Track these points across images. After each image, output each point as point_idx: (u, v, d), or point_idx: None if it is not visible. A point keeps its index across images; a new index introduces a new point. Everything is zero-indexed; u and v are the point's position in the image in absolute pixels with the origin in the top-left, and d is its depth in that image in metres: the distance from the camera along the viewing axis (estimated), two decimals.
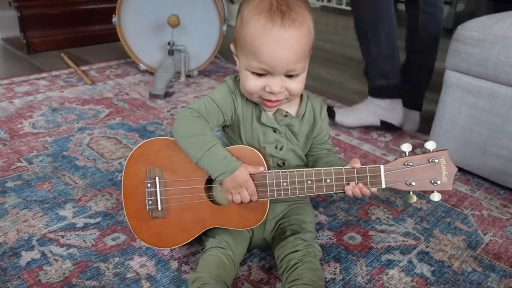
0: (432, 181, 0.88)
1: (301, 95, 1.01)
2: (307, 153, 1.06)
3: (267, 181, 0.90)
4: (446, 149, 0.88)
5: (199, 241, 1.03)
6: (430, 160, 0.87)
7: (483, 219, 1.25)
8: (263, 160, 0.91)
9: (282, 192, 0.91)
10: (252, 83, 0.90)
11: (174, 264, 1.02)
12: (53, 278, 0.96)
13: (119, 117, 1.75)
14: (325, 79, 2.39)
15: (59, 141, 1.54)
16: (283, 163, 1.02)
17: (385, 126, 1.72)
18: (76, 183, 1.31)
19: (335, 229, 1.18)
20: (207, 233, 0.98)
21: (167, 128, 1.69)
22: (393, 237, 1.15)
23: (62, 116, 1.73)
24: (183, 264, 1.02)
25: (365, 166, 0.89)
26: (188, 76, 2.23)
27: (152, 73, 2.21)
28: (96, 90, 2.01)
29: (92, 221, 1.15)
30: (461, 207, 1.30)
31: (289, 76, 0.89)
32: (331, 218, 1.22)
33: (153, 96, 1.95)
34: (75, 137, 1.57)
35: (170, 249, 1.06)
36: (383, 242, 1.14)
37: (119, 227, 1.13)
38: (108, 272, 0.99)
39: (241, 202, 0.91)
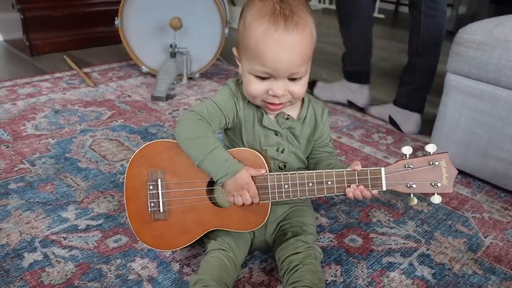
0: (433, 184, 0.88)
1: (303, 98, 1.01)
2: (308, 156, 1.07)
3: (269, 184, 0.91)
4: (447, 152, 0.88)
5: (201, 243, 1.04)
6: (431, 163, 0.87)
7: (484, 221, 1.25)
8: (265, 163, 0.92)
9: (284, 194, 0.91)
10: (255, 87, 0.91)
11: (176, 266, 1.03)
12: (55, 280, 0.97)
13: (121, 119, 1.76)
14: (327, 82, 2.39)
15: (61, 143, 1.55)
16: (284, 166, 1.02)
17: (351, 105, 2.01)
18: (78, 185, 1.31)
19: (336, 231, 1.18)
20: (209, 235, 0.99)
21: (169, 130, 1.70)
22: (394, 240, 1.16)
23: (65, 118, 1.74)
24: (184, 266, 1.03)
25: (366, 168, 0.90)
26: (190, 78, 2.24)
27: (154, 76, 2.22)
28: (98, 92, 2.02)
29: (94, 223, 1.16)
30: (462, 209, 1.30)
31: (292, 79, 0.90)
32: (332, 220, 1.22)
33: (155, 98, 1.96)
34: (78, 139, 1.58)
35: (172, 251, 1.06)
36: (384, 244, 1.14)
37: (121, 229, 1.13)
38: (110, 274, 0.99)
39: (243, 204, 0.91)
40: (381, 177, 0.89)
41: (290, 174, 0.90)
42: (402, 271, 1.05)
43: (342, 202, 1.30)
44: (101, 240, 1.09)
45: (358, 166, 0.89)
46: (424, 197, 1.31)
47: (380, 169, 0.89)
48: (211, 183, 0.96)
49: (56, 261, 1.02)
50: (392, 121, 1.85)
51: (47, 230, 1.12)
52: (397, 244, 1.14)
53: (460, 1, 3.70)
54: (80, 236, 1.10)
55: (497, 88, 1.30)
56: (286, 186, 0.91)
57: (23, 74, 2.20)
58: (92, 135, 1.61)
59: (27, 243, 1.07)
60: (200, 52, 2.19)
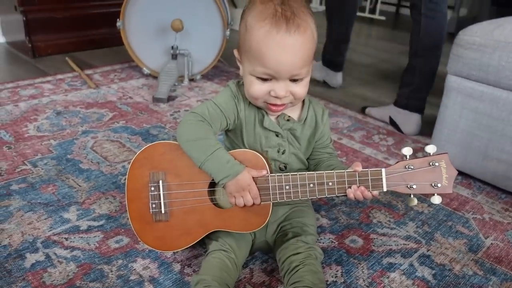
0: (433, 184, 0.88)
1: (303, 100, 1.02)
2: (308, 157, 1.07)
3: (270, 185, 0.91)
4: (447, 153, 0.89)
5: (202, 244, 1.04)
6: (431, 164, 0.88)
7: (484, 223, 1.26)
8: (266, 164, 0.92)
9: (285, 196, 0.91)
10: (257, 88, 0.91)
11: (177, 267, 1.03)
12: (57, 280, 0.97)
13: (123, 121, 1.76)
14: (328, 83, 2.40)
15: (63, 144, 1.55)
16: (285, 167, 1.02)
17: (324, 84, 2.36)
18: (80, 186, 1.32)
19: (337, 232, 1.18)
20: (210, 236, 0.99)
21: (170, 131, 1.70)
22: (395, 241, 1.16)
23: (67, 119, 1.75)
24: (185, 267, 1.03)
25: (367, 169, 0.90)
26: (191, 80, 2.25)
27: (155, 77, 2.23)
28: (100, 93, 2.03)
29: (95, 223, 1.16)
30: (463, 210, 1.30)
31: (294, 80, 0.90)
32: (332, 221, 1.23)
33: (156, 100, 1.96)
34: (79, 140, 1.58)
35: (173, 251, 1.06)
36: (384, 245, 1.14)
37: (123, 230, 1.14)
38: (112, 274, 1.00)
39: (244, 205, 0.92)
40: (381, 178, 0.89)
41: (291, 175, 0.91)
42: (402, 272, 1.05)
43: (342, 203, 1.31)
44: (102, 241, 1.10)
45: (359, 167, 0.90)
46: (424, 198, 1.32)
47: (381, 170, 0.89)
48: (213, 184, 0.96)
49: (58, 261, 1.03)
50: (392, 122, 1.85)
51: (49, 231, 1.12)
52: (397, 245, 1.15)
53: (461, 3, 3.70)
54: (81, 237, 1.11)
55: (497, 89, 1.31)
56: (287, 187, 0.91)
57: (25, 75, 2.21)
58: (93, 136, 1.62)
59: (29, 244, 1.07)
60: (201, 54, 2.20)
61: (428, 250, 1.13)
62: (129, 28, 2.14)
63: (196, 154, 0.91)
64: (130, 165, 0.98)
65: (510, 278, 1.05)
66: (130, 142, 1.60)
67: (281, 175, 0.91)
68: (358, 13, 4.19)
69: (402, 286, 1.01)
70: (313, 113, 1.03)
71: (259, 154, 0.93)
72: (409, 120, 1.79)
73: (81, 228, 1.14)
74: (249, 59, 0.90)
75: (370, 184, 0.90)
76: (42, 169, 1.39)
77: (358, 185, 0.90)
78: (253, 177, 0.90)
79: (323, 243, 1.14)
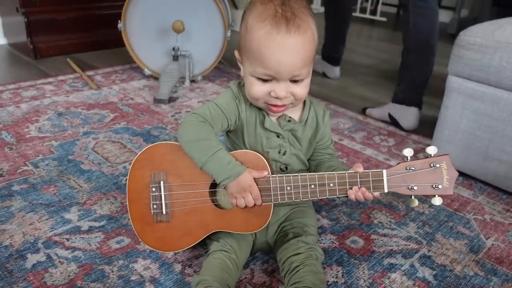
0: (434, 186, 0.88)
1: (304, 101, 1.02)
2: (309, 158, 1.07)
3: (271, 186, 0.91)
4: (447, 154, 0.89)
5: (203, 244, 1.04)
6: (432, 165, 0.88)
7: (485, 223, 1.26)
8: (267, 165, 0.92)
9: (286, 196, 0.92)
10: (258, 89, 0.91)
11: (178, 267, 1.03)
12: (58, 281, 0.97)
13: (124, 122, 1.77)
14: (329, 84, 2.40)
15: (64, 145, 1.56)
16: (286, 168, 1.03)
17: (324, 76, 2.53)
18: (81, 186, 1.32)
19: (338, 233, 1.18)
20: (211, 237, 0.99)
21: (171, 132, 1.70)
22: (395, 241, 1.16)
23: (68, 120, 1.75)
24: (186, 267, 1.03)
25: (368, 170, 0.90)
26: (192, 81, 2.25)
27: (156, 78, 2.23)
28: (101, 95, 2.03)
29: (96, 224, 1.16)
30: (464, 211, 1.30)
31: (294, 81, 0.90)
32: (333, 222, 1.23)
33: (157, 101, 1.97)
34: (81, 141, 1.59)
35: (174, 252, 1.06)
36: (385, 246, 1.14)
37: (124, 230, 1.14)
38: (113, 274, 1.00)
39: (245, 206, 0.92)
40: (382, 179, 0.89)
41: (292, 176, 0.91)
42: (403, 273, 1.05)
43: (343, 204, 1.31)
44: (103, 241, 1.10)
45: (360, 168, 0.90)
46: (425, 199, 1.32)
47: (382, 171, 0.90)
48: (214, 185, 0.96)
49: (59, 262, 1.03)
50: (391, 118, 1.87)
51: (50, 232, 1.12)
52: (398, 245, 1.15)
53: (462, 4, 3.70)
54: (82, 237, 1.11)
55: (498, 90, 1.31)
56: (288, 188, 0.91)
57: (27, 77, 2.21)
58: (95, 137, 1.62)
59: (30, 244, 1.08)
60: (202, 55, 2.20)
61: (429, 251, 1.13)
62: (130, 30, 2.15)
63: (198, 155, 0.91)
64: (131, 165, 0.99)
65: (511, 278, 1.05)
66: (131, 143, 1.60)
67: (282, 176, 0.91)
68: (359, 14, 4.21)
69: (403, 286, 1.01)
70: (314, 114, 1.03)
71: (260, 155, 0.93)
72: (408, 114, 1.80)
73: (82, 229, 1.14)
74: (250, 60, 0.90)
75: (371, 185, 0.90)
76: (44, 170, 1.39)
77: (359, 186, 0.90)
78: (254, 178, 0.90)
79: (324, 243, 1.14)
